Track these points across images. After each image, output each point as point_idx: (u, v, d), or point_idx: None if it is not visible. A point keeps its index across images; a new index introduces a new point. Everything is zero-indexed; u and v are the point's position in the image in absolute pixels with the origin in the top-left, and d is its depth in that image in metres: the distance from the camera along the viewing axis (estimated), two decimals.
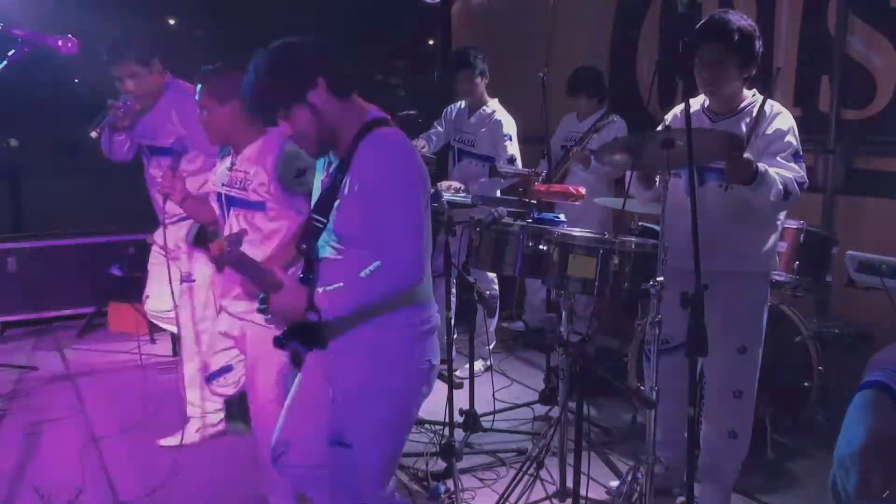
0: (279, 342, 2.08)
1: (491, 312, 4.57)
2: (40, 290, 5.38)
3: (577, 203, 3.53)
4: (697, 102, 2.89)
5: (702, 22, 2.76)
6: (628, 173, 2.90)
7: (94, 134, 3.35)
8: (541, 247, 2.91)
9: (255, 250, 2.24)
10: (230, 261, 2.07)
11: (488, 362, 4.59)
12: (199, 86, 2.73)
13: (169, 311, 3.66)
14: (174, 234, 3.43)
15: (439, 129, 4.81)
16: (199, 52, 5.72)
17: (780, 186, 2.59)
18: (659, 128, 2.95)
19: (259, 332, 2.58)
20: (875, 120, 3.87)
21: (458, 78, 4.53)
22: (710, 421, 2.95)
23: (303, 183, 2.64)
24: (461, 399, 3.53)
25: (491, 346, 4.60)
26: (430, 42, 7.41)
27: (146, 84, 3.40)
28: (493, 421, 3.76)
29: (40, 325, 5.46)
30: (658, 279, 2.53)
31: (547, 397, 3.95)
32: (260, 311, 2.07)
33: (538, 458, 3.07)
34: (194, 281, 3.48)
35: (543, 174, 4.18)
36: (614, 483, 3.10)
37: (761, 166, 2.58)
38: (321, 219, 2.09)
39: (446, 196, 3.22)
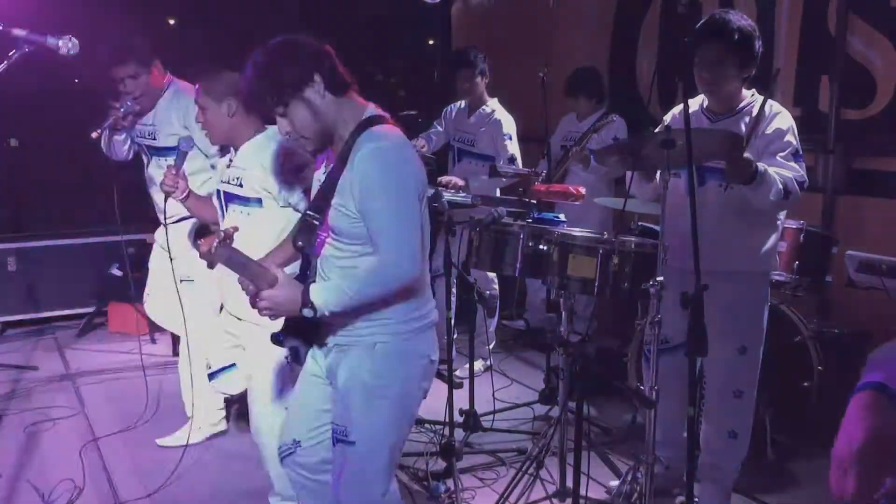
0: (276, 339, 2.08)
1: (491, 312, 4.58)
2: (40, 290, 5.39)
3: (577, 203, 3.52)
4: (696, 103, 2.89)
5: (701, 22, 2.76)
6: (628, 173, 2.90)
7: (94, 134, 3.35)
8: (541, 247, 2.91)
9: (252, 247, 2.23)
10: (220, 258, 2.07)
11: (488, 362, 4.59)
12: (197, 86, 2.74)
13: (169, 310, 3.66)
14: (174, 233, 3.43)
15: (439, 128, 4.81)
16: (198, 52, 5.71)
17: (780, 186, 2.59)
18: (658, 128, 2.95)
19: (260, 332, 2.57)
20: (875, 120, 3.87)
21: (458, 77, 4.53)
22: (710, 421, 2.95)
23: (300, 179, 2.64)
24: (461, 399, 3.53)
25: (491, 346, 4.60)
26: (430, 42, 7.40)
27: (146, 85, 3.40)
28: (493, 421, 3.77)
29: (40, 325, 5.46)
30: (658, 279, 2.53)
31: (547, 397, 3.95)
32: (252, 305, 2.07)
33: (538, 457, 3.07)
34: (194, 280, 3.48)
35: (543, 174, 4.18)
36: (614, 483, 3.10)
37: (761, 166, 2.58)
38: (318, 215, 2.10)
39: (446, 196, 3.22)
